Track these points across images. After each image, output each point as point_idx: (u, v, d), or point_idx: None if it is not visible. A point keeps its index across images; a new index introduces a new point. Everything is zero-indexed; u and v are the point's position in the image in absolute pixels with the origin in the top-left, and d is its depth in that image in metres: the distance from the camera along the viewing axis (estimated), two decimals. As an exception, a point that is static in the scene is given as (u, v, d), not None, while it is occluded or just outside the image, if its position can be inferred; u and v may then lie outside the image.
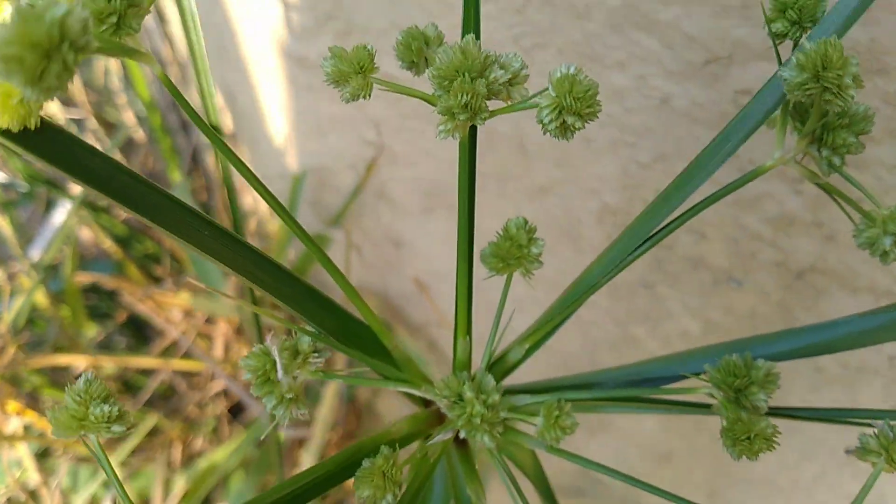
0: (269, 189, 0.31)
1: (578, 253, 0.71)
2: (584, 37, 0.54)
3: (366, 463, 0.31)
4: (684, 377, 0.36)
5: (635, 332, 0.74)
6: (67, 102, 1.55)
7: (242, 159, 0.30)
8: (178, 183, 1.23)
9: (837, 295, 0.58)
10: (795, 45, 0.30)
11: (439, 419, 0.38)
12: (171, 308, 1.09)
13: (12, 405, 0.91)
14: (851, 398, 0.61)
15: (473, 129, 0.32)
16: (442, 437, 0.35)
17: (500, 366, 0.38)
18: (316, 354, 0.32)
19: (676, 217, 0.33)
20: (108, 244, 1.21)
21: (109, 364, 0.99)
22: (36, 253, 1.42)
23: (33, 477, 0.97)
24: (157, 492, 1.09)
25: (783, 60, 0.30)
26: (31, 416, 0.93)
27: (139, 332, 1.41)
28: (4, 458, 0.97)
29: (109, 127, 1.55)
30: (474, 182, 0.32)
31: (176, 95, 0.27)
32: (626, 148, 0.59)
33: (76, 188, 1.53)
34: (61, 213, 1.43)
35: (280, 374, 0.30)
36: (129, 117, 1.50)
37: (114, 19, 0.24)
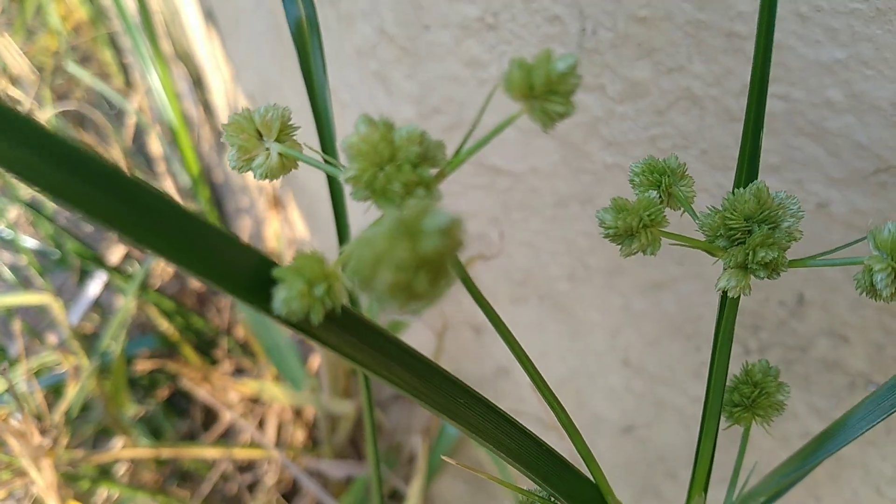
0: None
1: (694, 350, 0.68)
2: (735, 140, 0.52)
3: None
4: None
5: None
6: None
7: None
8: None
9: None
10: None
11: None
12: (228, 391, 1.04)
13: None
14: None
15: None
16: None
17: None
18: None
19: None
20: (162, 323, 1.17)
21: (168, 453, 0.94)
22: (73, 321, 1.37)
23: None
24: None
25: None
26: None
27: (179, 409, 1.35)
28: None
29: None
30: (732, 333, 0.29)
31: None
32: (766, 249, 0.57)
33: (113, 258, 1.49)
34: (97, 283, 1.39)
35: None
36: (168, 185, 1.47)
37: (422, 190, 0.21)
